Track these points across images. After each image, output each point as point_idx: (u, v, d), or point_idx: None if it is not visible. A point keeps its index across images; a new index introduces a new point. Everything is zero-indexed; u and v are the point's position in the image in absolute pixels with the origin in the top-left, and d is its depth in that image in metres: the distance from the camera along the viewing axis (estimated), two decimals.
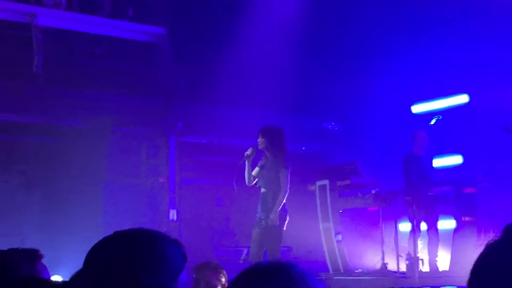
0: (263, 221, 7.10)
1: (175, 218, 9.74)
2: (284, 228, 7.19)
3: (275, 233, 7.06)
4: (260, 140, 7.27)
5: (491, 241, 1.23)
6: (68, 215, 9.30)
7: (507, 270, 1.12)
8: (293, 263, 1.52)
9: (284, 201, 7.14)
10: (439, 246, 8.52)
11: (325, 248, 9.15)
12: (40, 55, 9.41)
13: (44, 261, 2.55)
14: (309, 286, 1.46)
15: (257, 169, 7.41)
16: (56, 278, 7.68)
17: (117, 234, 1.70)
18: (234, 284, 1.52)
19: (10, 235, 8.83)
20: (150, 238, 1.68)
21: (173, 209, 9.90)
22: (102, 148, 9.90)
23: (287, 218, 7.17)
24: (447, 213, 8.84)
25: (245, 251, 9.45)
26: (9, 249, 2.24)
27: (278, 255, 7.01)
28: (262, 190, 7.28)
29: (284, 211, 7.11)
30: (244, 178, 7.36)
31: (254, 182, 7.41)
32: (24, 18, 9.66)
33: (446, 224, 8.87)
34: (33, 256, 2.22)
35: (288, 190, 7.20)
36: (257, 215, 7.28)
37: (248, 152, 7.30)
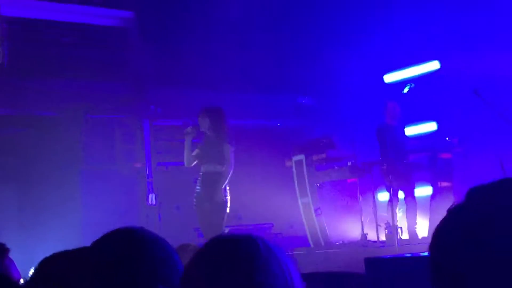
0: (210, 199, 6.99)
1: (154, 202, 9.71)
2: (228, 206, 7.11)
3: (222, 210, 6.99)
4: (201, 120, 7.20)
5: (453, 206, 1.23)
6: (46, 206, 9.23)
7: (466, 236, 1.13)
8: (260, 236, 1.50)
9: (228, 178, 7.06)
10: (417, 213, 8.61)
11: (305, 222, 9.20)
12: (5, 46, 9.26)
13: (23, 253, 2.53)
14: (277, 258, 1.43)
15: (197, 150, 7.32)
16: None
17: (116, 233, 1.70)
18: (199, 256, 1.48)
19: None
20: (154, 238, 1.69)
21: (151, 193, 9.86)
22: (76, 137, 9.82)
23: (229, 197, 7.09)
24: (424, 180, 8.93)
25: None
26: None
27: (221, 231, 6.94)
28: (204, 168, 7.18)
29: (225, 189, 7.04)
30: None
31: (194, 163, 7.32)
32: None
33: (423, 191, 8.96)
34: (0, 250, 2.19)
35: (232, 166, 7.12)
36: (198, 193, 7.15)
37: (188, 129, 7.22)
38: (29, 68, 9.29)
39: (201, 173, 7.15)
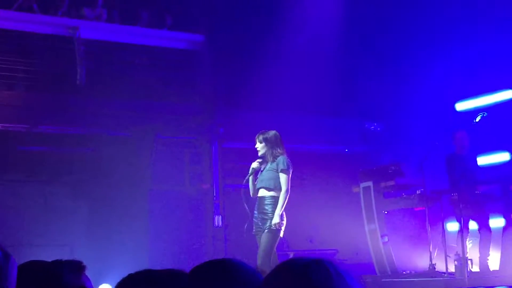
0: (263, 226, 6.94)
1: (220, 224, 9.78)
2: (281, 234, 7.04)
3: (274, 235, 6.91)
4: (258, 145, 7.19)
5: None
6: (115, 223, 9.43)
7: None
8: (333, 260, 1.50)
9: (285, 204, 6.98)
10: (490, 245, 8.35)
11: (371, 250, 9.07)
12: (83, 67, 9.59)
13: (91, 269, 2.59)
14: (346, 284, 1.43)
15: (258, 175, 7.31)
16: (104, 286, 7.80)
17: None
18: (271, 278, 1.49)
19: (60, 244, 9.01)
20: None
21: (218, 215, 9.94)
22: (146, 157, 10.01)
23: (285, 223, 6.99)
24: (496, 212, 8.67)
25: (291, 254, 9.44)
26: (53, 261, 2.27)
27: (269, 259, 6.83)
28: (260, 193, 7.11)
29: (282, 215, 6.95)
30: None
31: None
32: (67, 32, 9.86)
33: (495, 222, 8.69)
34: (77, 267, 2.25)
35: (289, 192, 7.05)
36: (254, 220, 7.08)
37: (255, 165, 7.22)
38: (104, 88, 9.56)
39: (257, 197, 7.15)
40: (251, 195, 7.22)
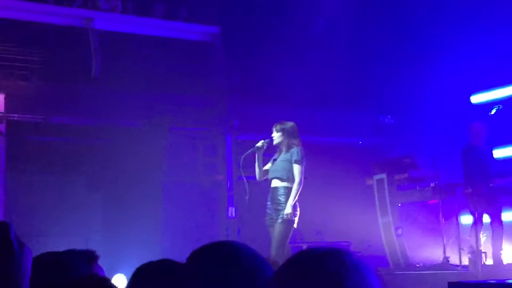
0: (276, 217, 6.93)
1: (233, 215, 9.81)
2: (295, 225, 7.03)
3: (288, 226, 6.90)
4: (274, 134, 7.18)
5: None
6: (129, 214, 9.49)
7: None
8: (349, 251, 1.48)
9: (298, 195, 6.96)
10: (503, 239, 8.31)
11: (384, 242, 9.06)
12: (97, 58, 9.62)
13: (106, 259, 2.61)
14: (361, 275, 1.41)
15: (269, 164, 7.31)
16: (119, 276, 7.85)
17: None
18: (285, 268, 1.47)
19: (75, 235, 9.08)
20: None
21: (231, 206, 9.97)
22: (160, 148, 10.05)
23: (298, 213, 6.97)
24: (510, 205, 8.62)
25: (304, 246, 9.45)
26: (65, 251, 2.29)
27: (283, 250, 6.83)
28: (273, 184, 7.11)
29: (295, 205, 6.94)
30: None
31: (265, 177, 7.28)
32: (82, 23, 9.89)
33: (509, 216, 8.65)
34: (90, 257, 2.26)
35: (302, 183, 7.03)
36: (267, 210, 7.09)
37: (259, 144, 7.17)
38: (118, 80, 9.60)
39: (270, 188, 7.15)
40: (257, 179, 7.23)
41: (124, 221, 9.49)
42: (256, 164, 7.19)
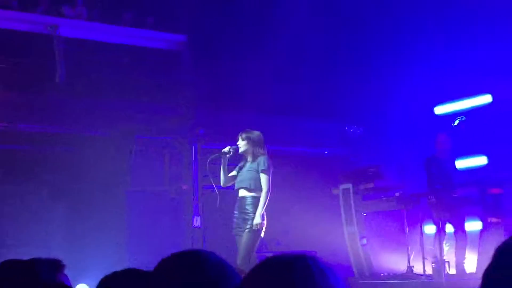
0: (244, 226, 6.93)
1: (199, 224, 9.75)
2: (262, 234, 7.01)
3: (255, 235, 6.90)
4: (240, 142, 7.19)
5: (501, 245, 1.19)
6: (93, 223, 9.36)
7: None
8: (313, 256, 1.47)
9: (266, 204, 6.97)
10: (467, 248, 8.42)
11: (350, 252, 9.10)
12: (62, 66, 9.51)
13: (69, 269, 2.57)
14: (328, 279, 1.41)
15: (234, 171, 7.30)
16: (82, 286, 7.74)
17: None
18: (253, 275, 1.47)
19: (37, 245, 8.92)
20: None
21: (197, 215, 9.91)
22: (125, 157, 9.96)
23: (265, 223, 6.99)
24: (473, 215, 8.75)
25: (270, 255, 9.43)
26: (31, 259, 2.25)
27: (249, 259, 6.82)
28: (241, 193, 7.11)
29: (263, 215, 6.95)
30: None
31: (230, 183, 7.25)
32: (46, 30, 9.78)
33: (472, 225, 8.77)
34: (56, 266, 2.23)
35: (269, 193, 7.05)
36: (235, 220, 7.05)
37: (226, 149, 7.17)
38: (83, 87, 9.50)
39: (237, 198, 7.14)
40: (222, 184, 7.20)
41: (88, 230, 9.36)
42: (221, 169, 7.17)
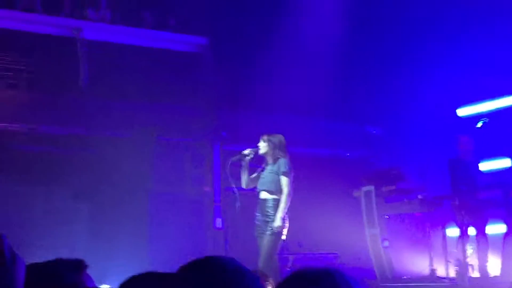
0: (265, 228, 6.93)
1: (220, 226, 9.77)
2: (284, 237, 7.01)
3: (277, 237, 6.91)
4: (261, 144, 7.20)
5: None
6: (115, 225, 9.42)
7: None
8: (339, 269, 1.51)
9: (287, 207, 6.96)
10: (490, 251, 8.34)
11: (371, 254, 9.06)
12: (85, 68, 9.59)
13: (92, 271, 2.59)
14: None
15: (256, 174, 7.27)
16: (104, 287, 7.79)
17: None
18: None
19: (60, 246, 9.00)
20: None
21: (218, 217, 9.93)
22: (147, 158, 10.01)
23: (287, 225, 6.98)
24: (497, 218, 8.66)
25: (291, 258, 9.43)
26: (54, 259, 2.27)
27: (271, 261, 6.82)
28: (262, 196, 7.12)
29: (284, 217, 6.95)
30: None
31: (251, 186, 7.25)
32: (70, 32, 9.87)
33: (496, 228, 8.68)
34: (78, 266, 2.24)
35: (291, 195, 7.04)
36: (257, 222, 7.08)
37: (246, 151, 7.19)
38: (106, 90, 9.57)
39: (259, 200, 7.15)
40: (243, 186, 7.22)
41: (111, 231, 9.42)
42: (242, 171, 7.20)
